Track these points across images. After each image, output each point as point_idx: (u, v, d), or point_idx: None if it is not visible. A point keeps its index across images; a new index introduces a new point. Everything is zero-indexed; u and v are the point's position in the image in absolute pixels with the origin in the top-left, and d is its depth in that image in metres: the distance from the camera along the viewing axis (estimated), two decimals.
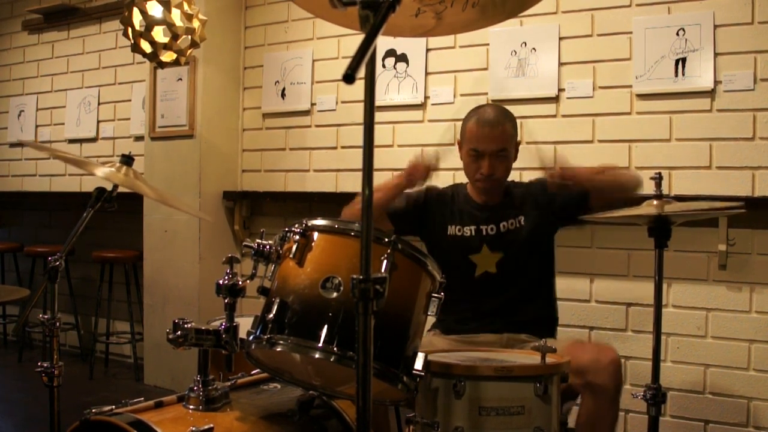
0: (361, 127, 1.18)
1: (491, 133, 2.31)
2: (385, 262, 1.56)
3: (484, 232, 2.39)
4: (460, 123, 3.61)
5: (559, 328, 3.28)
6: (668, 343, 3.13)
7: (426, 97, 3.73)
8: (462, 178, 2.54)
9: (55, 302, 1.86)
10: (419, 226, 2.48)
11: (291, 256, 1.64)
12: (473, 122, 2.35)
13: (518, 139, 2.45)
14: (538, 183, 2.48)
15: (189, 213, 3.79)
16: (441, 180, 3.56)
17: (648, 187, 2.08)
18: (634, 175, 2.51)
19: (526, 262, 2.40)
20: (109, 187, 1.94)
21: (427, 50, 3.72)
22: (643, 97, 3.19)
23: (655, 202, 2.00)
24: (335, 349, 1.53)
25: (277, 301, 1.61)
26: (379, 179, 3.80)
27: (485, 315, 2.35)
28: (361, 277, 1.17)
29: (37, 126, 5.36)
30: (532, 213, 2.40)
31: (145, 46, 3.52)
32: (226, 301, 1.72)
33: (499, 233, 2.39)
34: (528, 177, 3.30)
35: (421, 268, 1.67)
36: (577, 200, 2.33)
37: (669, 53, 3.13)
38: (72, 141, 5.12)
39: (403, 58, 3.78)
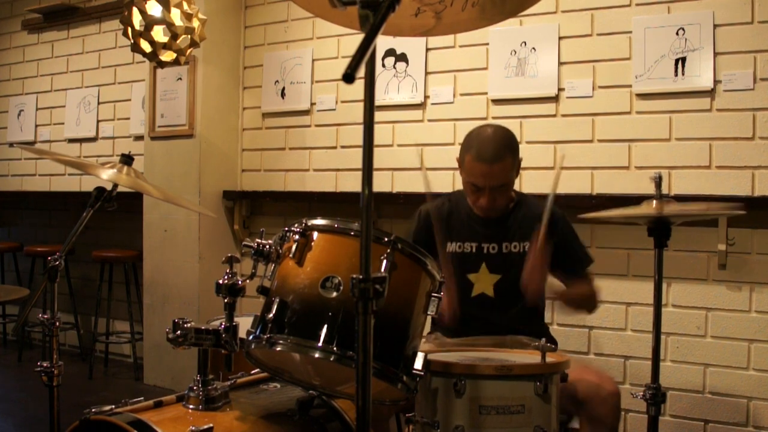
0: (361, 127, 1.18)
1: (491, 170, 2.21)
2: (384, 261, 1.56)
3: (485, 251, 2.33)
4: (459, 123, 3.61)
5: (558, 328, 3.29)
6: (668, 342, 3.13)
7: (426, 97, 3.73)
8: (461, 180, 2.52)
9: (55, 302, 1.86)
10: (425, 244, 2.42)
11: (291, 255, 1.64)
12: (472, 157, 2.22)
13: (518, 159, 2.32)
14: (554, 217, 2.29)
15: (194, 209, 3.79)
16: (440, 180, 3.58)
17: (648, 187, 2.08)
18: (597, 297, 2.42)
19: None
20: (109, 187, 1.94)
21: (427, 50, 3.73)
22: (642, 96, 3.19)
23: (654, 202, 2.00)
24: (335, 348, 1.53)
25: (277, 300, 1.61)
26: (379, 179, 3.80)
27: (484, 329, 2.33)
28: (360, 276, 1.17)
29: (36, 126, 5.36)
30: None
31: (145, 46, 3.52)
32: (225, 300, 1.71)
33: (500, 253, 2.32)
34: (527, 177, 3.32)
35: (420, 267, 1.67)
36: (566, 270, 2.33)
37: (669, 53, 3.13)
38: (72, 141, 5.13)
39: (402, 57, 3.78)
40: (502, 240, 2.33)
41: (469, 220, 2.38)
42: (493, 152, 2.22)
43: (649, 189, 2.05)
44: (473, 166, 2.23)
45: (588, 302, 2.41)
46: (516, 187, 2.45)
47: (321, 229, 1.66)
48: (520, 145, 2.45)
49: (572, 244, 2.38)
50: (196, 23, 3.57)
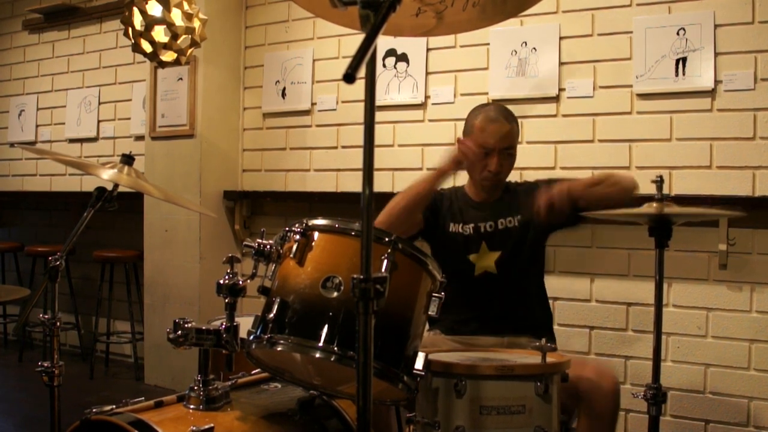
0: (362, 127, 1.18)
1: (501, 129, 2.32)
2: (385, 261, 1.56)
3: (482, 230, 2.39)
4: (460, 123, 3.62)
5: (559, 328, 3.29)
6: (669, 342, 3.12)
7: (426, 97, 3.73)
8: (462, 179, 2.54)
9: (56, 302, 1.87)
10: (428, 230, 2.45)
11: (291, 255, 1.64)
12: (482, 119, 2.35)
13: (518, 136, 2.48)
14: (535, 185, 2.45)
15: (195, 209, 3.79)
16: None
17: (649, 187, 2.08)
18: (630, 178, 2.38)
19: (525, 261, 2.40)
20: (110, 186, 1.95)
21: (428, 50, 3.72)
22: (643, 96, 3.19)
23: (655, 204, 2.00)
24: (336, 348, 1.53)
25: (278, 300, 1.61)
26: (380, 179, 3.81)
27: (487, 317, 2.35)
28: (361, 276, 1.17)
29: (37, 126, 5.36)
30: (527, 213, 2.37)
31: (146, 46, 3.52)
32: (226, 300, 1.72)
33: (497, 230, 2.39)
34: (527, 177, 3.32)
35: (421, 267, 1.67)
36: (565, 218, 2.26)
37: (669, 53, 3.13)
38: (72, 141, 5.12)
39: (403, 57, 3.78)
40: (497, 217, 2.40)
41: (467, 206, 2.46)
42: (502, 114, 2.37)
43: (650, 189, 2.05)
44: (484, 127, 2.33)
45: (612, 181, 2.31)
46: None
47: (322, 229, 1.66)
48: (520, 146, 2.48)
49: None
50: (196, 23, 3.58)
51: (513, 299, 2.37)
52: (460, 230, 2.42)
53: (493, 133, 2.31)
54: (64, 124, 5.19)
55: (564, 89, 3.36)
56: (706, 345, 3.07)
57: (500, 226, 2.39)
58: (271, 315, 1.60)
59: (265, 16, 4.31)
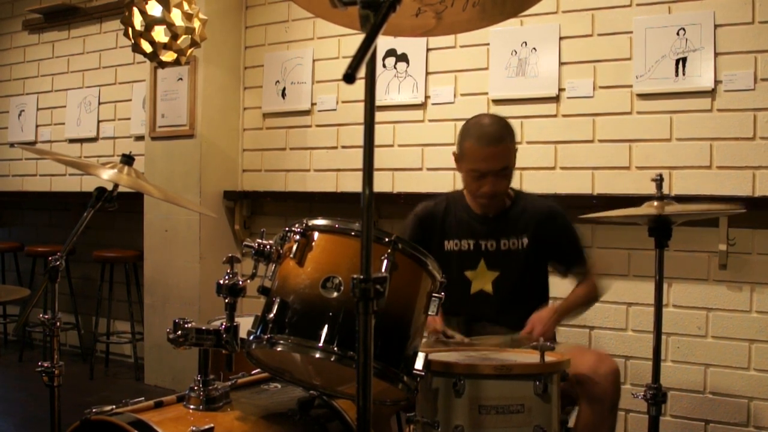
0: (362, 127, 1.18)
1: (493, 153, 2.22)
2: (385, 261, 1.56)
3: (483, 247, 2.33)
4: (460, 123, 3.62)
5: (559, 328, 3.28)
6: (669, 342, 3.13)
7: (426, 97, 3.73)
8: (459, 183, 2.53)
9: (56, 302, 1.86)
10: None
11: (291, 255, 1.64)
12: (473, 141, 2.24)
13: (516, 146, 2.37)
14: (550, 210, 2.39)
15: (195, 210, 3.79)
16: (441, 180, 3.58)
17: (649, 188, 2.08)
18: (601, 289, 2.48)
19: (524, 285, 2.34)
20: (110, 186, 1.95)
21: (428, 50, 3.73)
22: (643, 96, 3.19)
23: (655, 203, 2.00)
24: (336, 348, 1.53)
25: (278, 300, 1.61)
26: (380, 179, 3.82)
27: (485, 327, 2.33)
28: (361, 276, 1.17)
29: (37, 126, 5.36)
30: (536, 237, 2.33)
31: (146, 46, 3.52)
32: (226, 300, 1.71)
33: (498, 250, 2.32)
34: (527, 177, 3.32)
35: (421, 268, 1.66)
36: (563, 264, 2.43)
37: (669, 53, 3.13)
38: (72, 141, 5.13)
39: (403, 57, 3.78)
40: (500, 236, 2.33)
41: (467, 218, 2.39)
42: (493, 135, 2.24)
43: (650, 189, 2.05)
44: (475, 151, 2.23)
45: (587, 303, 2.46)
46: (516, 186, 2.46)
47: (322, 230, 1.66)
48: (520, 146, 2.46)
49: (568, 238, 2.39)
50: (196, 23, 3.58)
51: (509, 319, 2.30)
52: (457, 247, 2.35)
53: (485, 158, 2.21)
54: (64, 124, 5.19)
55: (564, 89, 3.37)
56: (706, 345, 3.07)
57: (503, 246, 2.32)
58: (271, 315, 1.60)
59: (265, 16, 4.31)
